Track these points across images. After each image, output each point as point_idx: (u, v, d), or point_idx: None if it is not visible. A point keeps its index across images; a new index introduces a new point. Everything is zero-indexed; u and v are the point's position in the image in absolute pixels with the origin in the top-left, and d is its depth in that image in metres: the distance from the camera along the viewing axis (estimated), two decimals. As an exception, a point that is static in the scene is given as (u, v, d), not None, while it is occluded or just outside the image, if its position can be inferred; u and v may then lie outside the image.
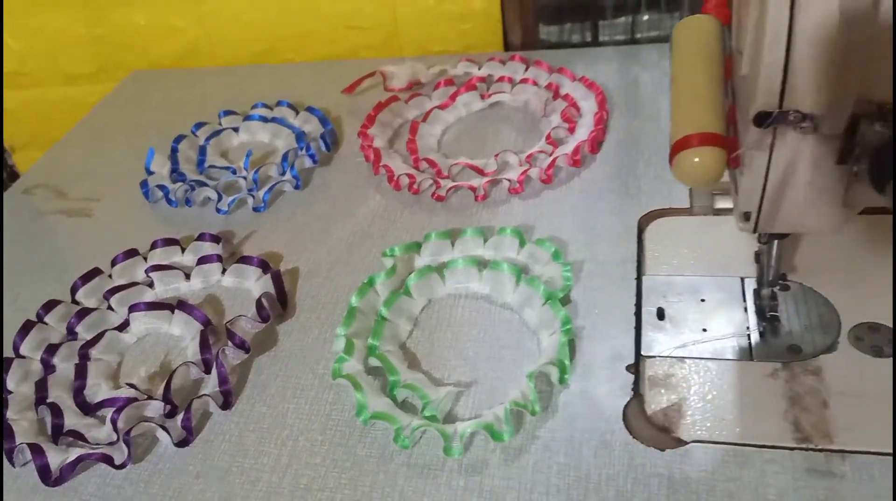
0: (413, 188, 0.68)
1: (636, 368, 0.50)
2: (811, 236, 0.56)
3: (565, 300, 0.55)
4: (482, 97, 0.79)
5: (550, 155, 0.68)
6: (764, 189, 0.43)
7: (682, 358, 0.50)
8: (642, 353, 0.51)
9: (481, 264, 0.58)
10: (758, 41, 0.36)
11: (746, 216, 0.45)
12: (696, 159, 0.39)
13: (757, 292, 0.52)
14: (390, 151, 0.74)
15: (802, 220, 0.44)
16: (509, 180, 0.67)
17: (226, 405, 0.51)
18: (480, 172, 0.69)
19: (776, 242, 0.48)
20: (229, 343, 0.53)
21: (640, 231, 0.61)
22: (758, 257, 0.51)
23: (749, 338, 0.50)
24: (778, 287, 0.53)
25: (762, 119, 0.38)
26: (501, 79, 0.82)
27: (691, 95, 0.41)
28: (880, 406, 0.45)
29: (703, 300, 0.54)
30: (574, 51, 0.89)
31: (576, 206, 0.64)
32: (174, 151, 0.78)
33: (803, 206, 0.43)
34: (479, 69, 0.85)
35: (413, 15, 0.94)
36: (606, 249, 0.59)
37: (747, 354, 0.49)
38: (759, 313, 0.52)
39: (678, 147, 0.40)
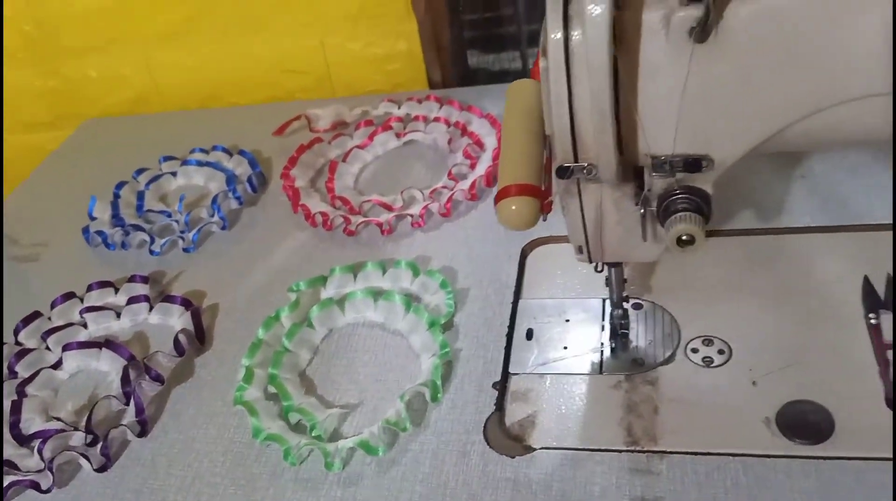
0: (327, 225, 0.75)
1: (502, 385, 0.56)
2: (665, 259, 0.63)
3: (448, 326, 0.62)
4: (398, 136, 0.86)
5: (451, 190, 0.75)
6: (585, 228, 0.49)
7: (542, 374, 0.56)
8: (509, 371, 0.57)
9: (377, 294, 0.64)
10: (550, 107, 0.43)
11: (580, 250, 0.52)
12: (514, 207, 0.46)
13: (610, 312, 0.58)
14: (311, 191, 0.81)
15: (624, 251, 0.51)
16: (412, 215, 0.73)
17: (142, 433, 0.58)
18: (389, 207, 0.76)
19: (612, 268, 0.55)
20: (146, 377, 0.60)
21: (523, 258, 0.67)
22: (607, 281, 0.58)
23: (601, 354, 0.57)
24: (631, 306, 0.60)
25: (562, 172, 0.45)
26: (417, 118, 0.89)
27: (513, 150, 0.48)
28: (703, 412, 0.51)
29: (567, 321, 0.60)
30: (489, 87, 0.96)
31: (469, 237, 0.71)
32: (116, 196, 0.84)
33: (620, 240, 0.50)
34: (399, 108, 0.92)
35: (343, 59, 1.01)
36: (491, 276, 0.66)
37: (598, 368, 0.56)
38: (612, 331, 0.58)
39: (499, 196, 0.46)
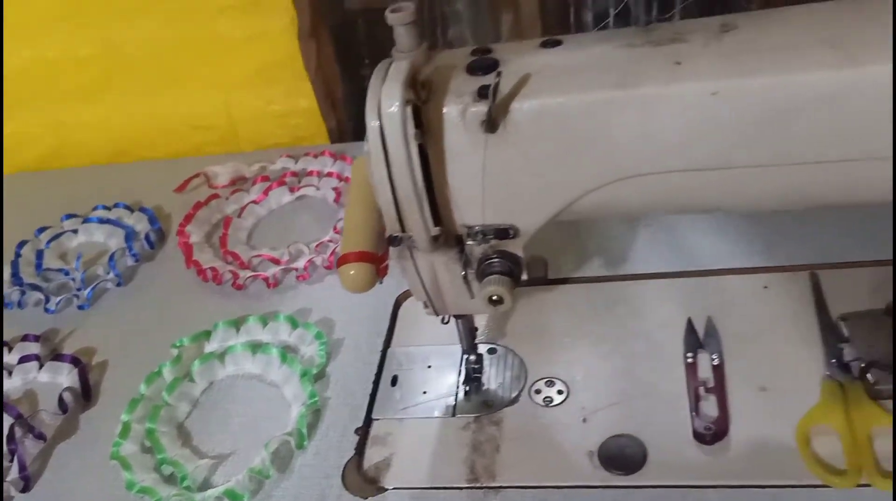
0: (217, 280, 0.79)
1: (364, 430, 0.61)
2: (521, 305, 0.69)
3: (320, 375, 0.66)
4: (291, 191, 0.91)
5: (336, 244, 0.80)
6: (424, 287, 0.55)
7: (402, 419, 0.61)
8: (372, 416, 0.62)
9: (256, 347, 0.69)
10: (375, 185, 0.48)
11: (425, 305, 0.57)
12: (352, 272, 0.51)
13: (466, 358, 0.64)
14: (205, 246, 0.85)
15: (464, 306, 0.56)
16: (297, 269, 0.78)
17: (25, 489, 0.61)
18: (277, 261, 0.80)
19: (459, 320, 0.60)
20: (29, 435, 0.63)
21: (397, 308, 0.73)
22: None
23: (456, 397, 0.62)
24: (486, 351, 0.65)
25: (392, 241, 0.50)
26: (311, 173, 0.94)
27: (353, 220, 0.53)
28: (538, 448, 0.57)
29: (429, 367, 0.66)
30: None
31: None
32: (17, 255, 0.87)
33: (457, 297, 0.55)
34: (296, 163, 0.97)
35: (247, 115, 1.06)
36: (366, 326, 0.71)
37: (452, 411, 0.61)
38: (467, 375, 0.64)
39: (339, 263, 0.52)
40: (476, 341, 0.63)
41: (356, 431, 0.61)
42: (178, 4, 0.98)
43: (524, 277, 0.73)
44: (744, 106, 0.42)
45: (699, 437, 0.55)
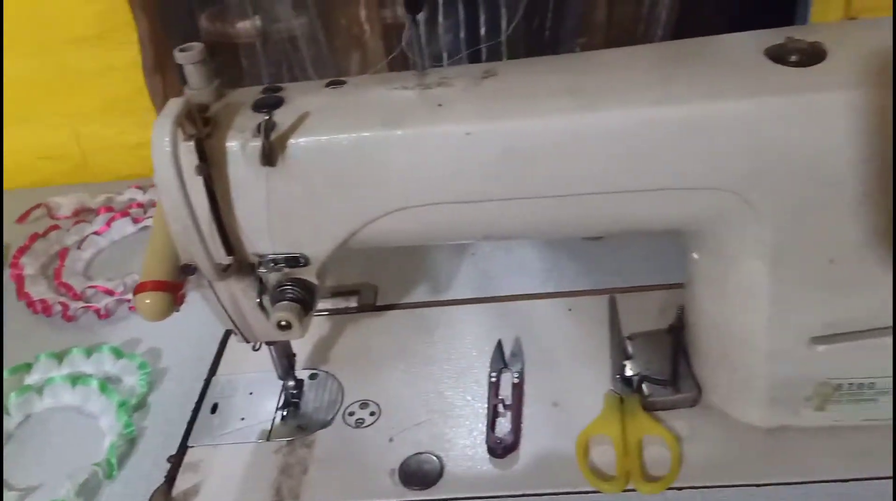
0: (47, 311, 0.78)
1: (178, 458, 0.62)
2: (340, 331, 0.71)
3: (140, 405, 0.66)
4: (135, 222, 0.91)
5: (173, 274, 0.81)
6: (228, 315, 0.57)
7: (216, 445, 0.62)
8: (188, 444, 0.63)
9: (77, 379, 0.68)
10: (167, 217, 0.50)
11: (233, 332, 0.59)
12: (147, 301, 0.52)
13: (284, 384, 0.66)
14: (40, 278, 0.84)
15: (271, 333, 0.58)
16: (129, 299, 0.78)
17: None
18: (111, 292, 0.80)
19: (271, 347, 0.62)
20: None
21: (227, 336, 0.74)
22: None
23: (273, 422, 0.64)
24: (308, 376, 0.67)
25: (186, 270, 0.52)
26: (155, 204, 0.94)
27: (152, 249, 0.55)
28: (345, 468, 0.59)
29: (251, 394, 0.67)
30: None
31: (179, 318, 0.76)
32: None
33: (263, 323, 0.57)
34: (144, 194, 0.97)
35: (97, 145, 1.05)
36: (194, 354, 0.71)
37: (266, 436, 0.63)
38: (285, 401, 0.65)
39: (136, 290, 0.53)
40: (300, 366, 0.65)
41: (169, 459, 0.61)
42: (29, 37, 0.98)
43: (353, 303, 0.76)
44: (493, 146, 0.46)
45: (492, 451, 0.58)
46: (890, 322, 0.50)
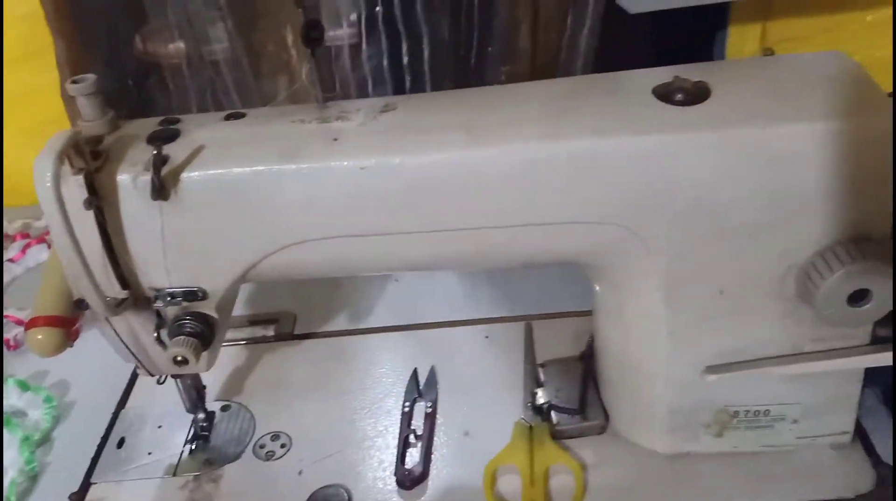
0: (-48, 343, 0.76)
1: (81, 494, 0.60)
2: (256, 361, 0.70)
3: (44, 440, 0.65)
4: (50, 248, 0.89)
5: (88, 302, 0.79)
6: (129, 348, 0.56)
7: (120, 481, 0.61)
8: (91, 480, 0.61)
9: (-21, 414, 0.66)
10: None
11: (137, 367, 0.58)
12: (39, 337, 0.51)
13: (194, 417, 0.65)
14: (-52, 307, 0.81)
15: (174, 367, 0.57)
16: (41, 330, 0.76)
17: None
18: (21, 322, 0.78)
19: (177, 379, 0.61)
20: None
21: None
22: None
23: (180, 457, 0.63)
24: (220, 408, 0.66)
25: (79, 304, 0.51)
26: (77, 229, 0.92)
27: (45, 285, 0.54)
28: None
29: (160, 427, 0.65)
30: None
31: (89, 350, 0.74)
32: None
33: (165, 357, 0.56)
34: (65, 219, 0.94)
35: (19, 168, 1.03)
36: (103, 388, 0.70)
37: (173, 471, 0.61)
38: (194, 434, 0.64)
39: (27, 326, 0.52)
40: (213, 397, 0.64)
41: (70, 496, 0.59)
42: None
43: (271, 332, 0.75)
44: (388, 181, 0.46)
45: (400, 483, 0.58)
46: (779, 353, 0.51)
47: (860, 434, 0.56)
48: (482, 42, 0.88)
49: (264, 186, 0.47)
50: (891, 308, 0.46)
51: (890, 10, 0.83)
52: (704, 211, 0.46)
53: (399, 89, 0.84)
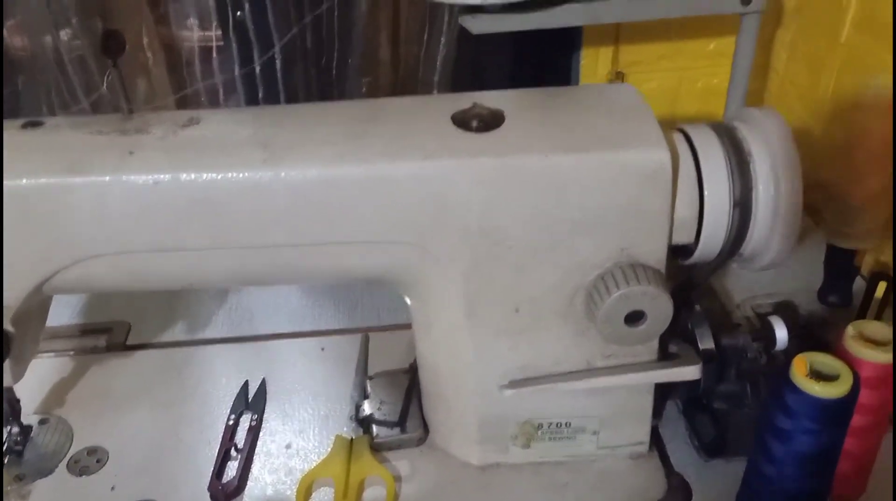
0: None
1: None
2: (83, 372, 0.69)
3: None
4: None
5: None
6: (-79, 361, 0.53)
7: (-81, 500, 0.58)
8: None
9: None
10: None
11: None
12: None
13: (10, 430, 0.62)
14: None
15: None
16: None
17: None
18: None
19: (-16, 393, 0.59)
20: None
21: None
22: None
23: (-15, 473, 0.60)
24: (38, 423, 0.64)
25: None
26: None
27: None
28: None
29: (-24, 443, 0.63)
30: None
31: None
32: None
33: (-38, 370, 0.54)
34: None
35: None
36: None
37: (-23, 488, 0.59)
38: (8, 448, 0.62)
39: None
40: (32, 410, 0.63)
41: None
42: None
43: (102, 342, 0.73)
44: (181, 196, 0.46)
45: (214, 498, 0.58)
46: (573, 368, 0.54)
47: (658, 445, 0.60)
48: (343, 53, 0.89)
49: (54, 199, 0.46)
50: (664, 328, 0.50)
51: (728, 41, 0.88)
52: (488, 232, 0.48)
53: (252, 99, 0.84)
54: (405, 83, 0.93)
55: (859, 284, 0.67)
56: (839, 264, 0.64)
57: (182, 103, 0.87)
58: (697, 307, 0.56)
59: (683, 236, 0.49)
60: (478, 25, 0.70)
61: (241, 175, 0.46)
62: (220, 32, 0.83)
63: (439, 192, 0.46)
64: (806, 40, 0.78)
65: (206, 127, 0.49)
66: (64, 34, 0.84)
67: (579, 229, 0.47)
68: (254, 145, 0.47)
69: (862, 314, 0.62)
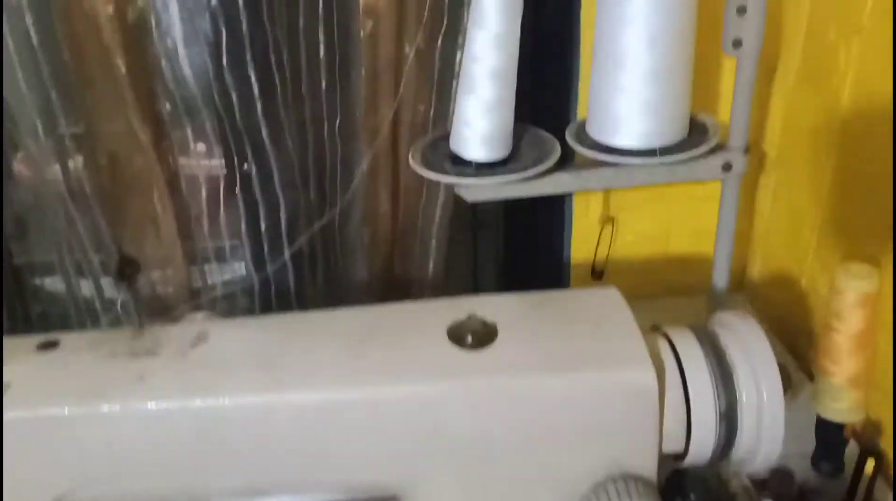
0: None
1: None
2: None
3: None
4: None
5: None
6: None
7: None
8: None
9: None
10: None
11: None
12: None
13: None
14: None
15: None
16: None
17: None
18: None
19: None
20: None
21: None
22: None
23: None
24: None
25: None
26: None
27: None
28: None
29: None
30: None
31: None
32: None
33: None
34: None
35: None
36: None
37: None
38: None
39: None
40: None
41: None
42: None
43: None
44: (189, 425, 0.48)
45: None
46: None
47: None
48: (345, 205, 0.91)
49: (64, 430, 0.48)
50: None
51: (713, 188, 0.91)
52: (480, 446, 0.49)
53: (258, 256, 0.86)
54: (403, 236, 0.94)
55: (853, 447, 0.67)
56: (829, 434, 0.65)
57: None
58: (693, 497, 0.58)
59: (673, 446, 0.51)
60: (472, 194, 0.74)
61: (245, 402, 0.48)
62: (224, 190, 0.85)
63: (434, 411, 0.48)
64: (789, 192, 0.82)
65: (214, 345, 0.51)
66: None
67: (569, 443, 0.49)
68: (257, 367, 0.49)
69: (853, 489, 0.63)
